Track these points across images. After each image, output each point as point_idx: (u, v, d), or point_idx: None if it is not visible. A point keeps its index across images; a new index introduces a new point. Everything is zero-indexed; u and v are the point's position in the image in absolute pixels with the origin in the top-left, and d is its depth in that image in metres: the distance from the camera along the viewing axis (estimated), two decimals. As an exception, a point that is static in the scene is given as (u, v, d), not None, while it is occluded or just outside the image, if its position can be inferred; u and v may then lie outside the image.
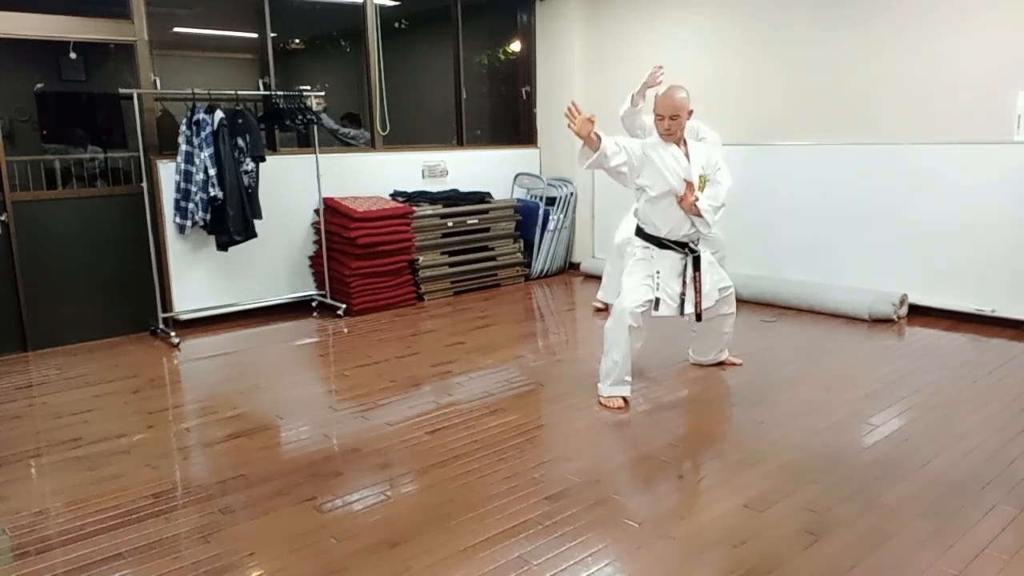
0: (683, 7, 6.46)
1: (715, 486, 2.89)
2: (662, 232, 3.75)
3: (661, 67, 4.50)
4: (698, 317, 3.84)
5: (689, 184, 3.63)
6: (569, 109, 3.41)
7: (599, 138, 3.47)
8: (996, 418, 3.46)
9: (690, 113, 3.64)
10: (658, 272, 3.74)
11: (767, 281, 5.85)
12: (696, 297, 3.75)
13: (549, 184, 7.19)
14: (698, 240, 3.79)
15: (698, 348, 4.31)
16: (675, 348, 4.63)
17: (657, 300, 3.72)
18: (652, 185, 3.66)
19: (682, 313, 3.79)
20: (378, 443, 3.36)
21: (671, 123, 3.57)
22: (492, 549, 2.47)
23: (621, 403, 3.70)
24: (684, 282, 3.76)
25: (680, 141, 3.70)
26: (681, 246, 3.76)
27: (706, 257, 3.83)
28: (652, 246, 3.79)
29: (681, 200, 3.64)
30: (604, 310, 5.75)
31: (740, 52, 6.14)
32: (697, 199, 3.63)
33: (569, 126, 3.42)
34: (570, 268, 7.45)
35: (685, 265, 3.76)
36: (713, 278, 3.87)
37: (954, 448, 3.15)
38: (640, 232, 3.85)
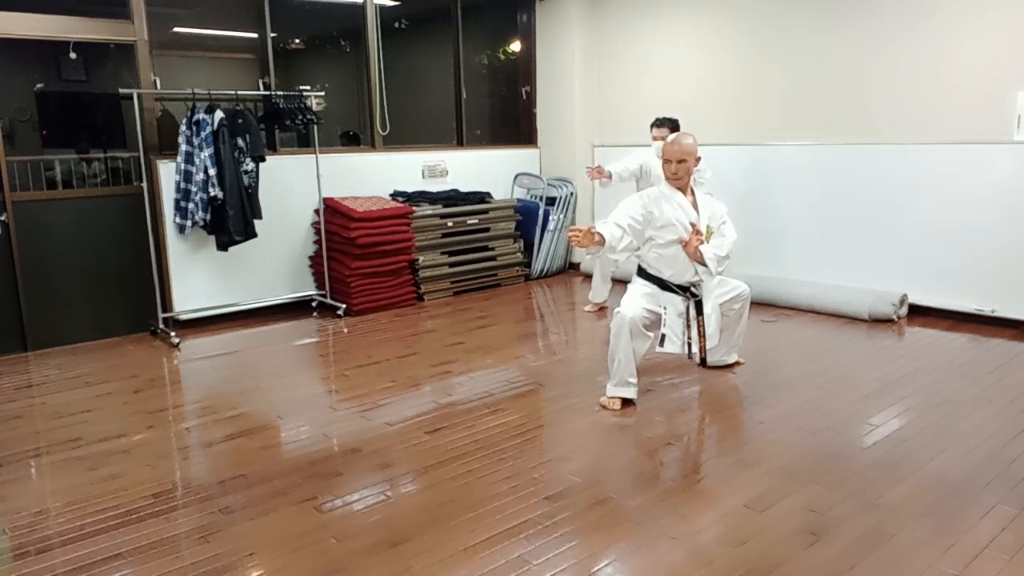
0: (683, 7, 6.46)
1: (715, 486, 2.89)
2: (664, 275, 3.76)
3: (590, 168, 5.39)
4: (703, 362, 3.90)
5: (696, 229, 3.65)
6: (570, 236, 3.51)
7: (602, 235, 3.56)
8: (996, 418, 3.46)
9: (698, 160, 3.70)
10: (665, 308, 3.74)
11: (767, 281, 5.84)
12: (700, 341, 3.77)
13: (549, 184, 7.19)
14: (700, 284, 3.77)
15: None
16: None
17: (663, 336, 3.73)
18: (660, 236, 3.70)
19: (689, 355, 3.81)
20: (378, 443, 3.36)
21: (678, 167, 3.64)
22: (492, 549, 2.47)
23: (619, 405, 3.70)
24: (688, 323, 3.76)
25: (687, 188, 3.74)
26: (683, 289, 3.76)
27: (711, 302, 3.79)
28: (654, 287, 3.79)
29: (686, 245, 3.65)
30: (598, 311, 5.76)
31: (740, 52, 6.14)
32: (701, 243, 3.65)
33: (579, 246, 3.52)
34: (570, 268, 7.45)
35: (688, 307, 3.77)
36: (718, 300, 3.85)
37: (954, 448, 3.15)
38: (642, 272, 3.85)
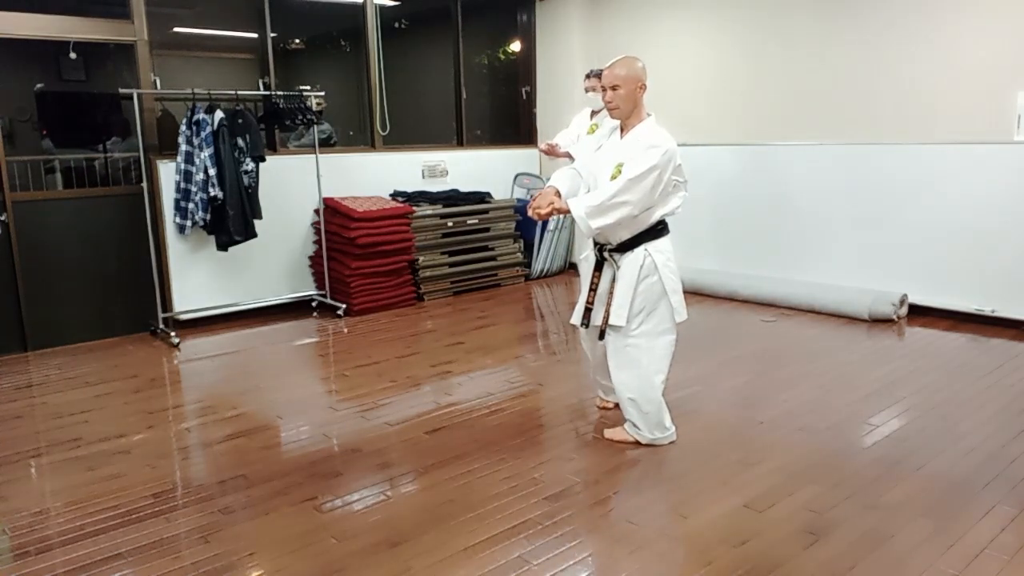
0: (683, 7, 6.46)
1: (715, 486, 2.89)
2: None
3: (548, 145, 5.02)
4: (601, 334, 3.28)
5: (544, 194, 3.19)
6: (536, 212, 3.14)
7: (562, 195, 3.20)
8: (996, 418, 3.46)
9: (643, 87, 3.14)
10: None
11: (767, 281, 5.85)
12: (604, 312, 3.23)
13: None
14: (615, 251, 3.22)
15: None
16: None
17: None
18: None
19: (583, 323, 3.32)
20: (378, 443, 3.36)
21: (612, 95, 3.13)
22: (492, 549, 2.47)
23: (612, 404, 3.66)
24: (592, 286, 3.29)
25: (630, 121, 3.17)
26: (596, 244, 3.30)
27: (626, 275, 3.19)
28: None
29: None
30: None
31: (740, 52, 6.14)
32: (549, 206, 3.12)
33: (540, 211, 3.12)
34: (570, 268, 7.45)
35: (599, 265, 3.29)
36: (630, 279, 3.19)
37: (954, 448, 3.15)
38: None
